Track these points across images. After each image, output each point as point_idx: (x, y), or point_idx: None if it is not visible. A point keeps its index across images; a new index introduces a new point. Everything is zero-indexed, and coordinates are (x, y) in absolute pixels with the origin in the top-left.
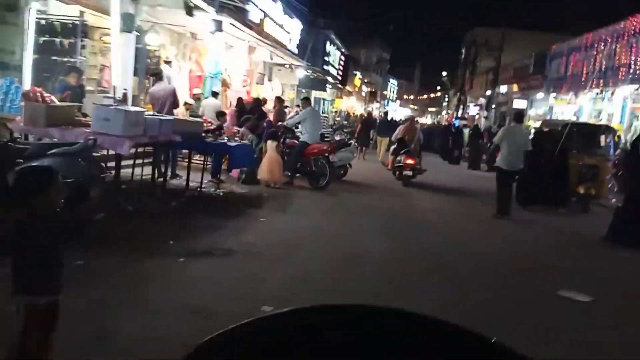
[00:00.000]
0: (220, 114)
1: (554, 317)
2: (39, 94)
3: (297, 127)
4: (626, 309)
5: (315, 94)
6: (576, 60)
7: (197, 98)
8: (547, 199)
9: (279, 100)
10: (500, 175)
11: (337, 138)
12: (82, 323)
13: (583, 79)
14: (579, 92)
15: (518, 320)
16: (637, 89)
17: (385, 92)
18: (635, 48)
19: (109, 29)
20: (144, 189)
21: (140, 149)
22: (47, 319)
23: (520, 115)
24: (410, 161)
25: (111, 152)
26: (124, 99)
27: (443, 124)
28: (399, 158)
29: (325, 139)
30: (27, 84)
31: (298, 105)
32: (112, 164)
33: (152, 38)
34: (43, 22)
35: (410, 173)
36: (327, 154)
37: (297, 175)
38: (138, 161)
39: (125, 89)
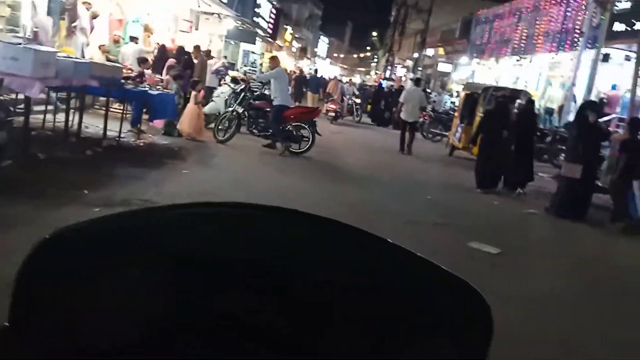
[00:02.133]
0: (143, 60)
1: (461, 266)
2: None
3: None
4: (530, 262)
5: (243, 46)
6: (499, 27)
7: (116, 40)
8: (508, 179)
9: (197, 49)
10: (401, 123)
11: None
12: None
13: (504, 46)
14: (499, 58)
15: None
16: (553, 58)
17: (315, 49)
18: (554, 18)
19: None
20: (56, 136)
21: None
22: None
23: (418, 80)
24: (332, 106)
25: (20, 95)
26: (34, 38)
27: (370, 84)
28: (326, 104)
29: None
30: None
31: (225, 57)
32: (21, 108)
33: None
34: None
35: (333, 114)
36: (313, 118)
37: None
38: (50, 107)
39: (36, 28)
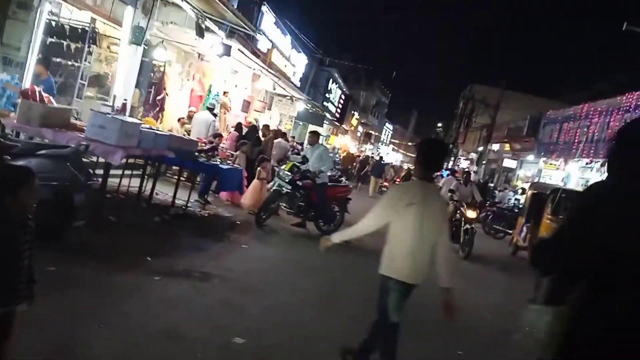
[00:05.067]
0: (216, 135)
1: None
2: (37, 93)
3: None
4: None
5: (311, 127)
6: (569, 128)
7: (190, 117)
8: None
9: (267, 128)
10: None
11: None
12: (45, 333)
13: (574, 147)
14: (568, 159)
15: None
16: None
17: (379, 135)
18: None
19: (118, 39)
20: (129, 201)
21: (131, 160)
22: (2, 329)
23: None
24: (385, 183)
25: (101, 159)
26: (122, 109)
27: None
28: (380, 183)
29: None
30: (28, 82)
31: (293, 137)
32: (100, 171)
33: (159, 53)
34: (53, 23)
35: (385, 189)
36: (348, 196)
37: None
38: (127, 172)
39: (125, 100)
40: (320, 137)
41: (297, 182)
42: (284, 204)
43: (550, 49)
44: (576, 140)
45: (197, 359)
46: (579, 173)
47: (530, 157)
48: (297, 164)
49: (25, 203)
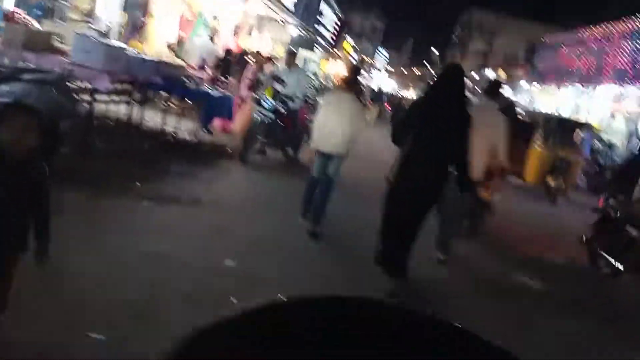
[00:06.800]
0: (217, 66)
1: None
2: (20, 16)
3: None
4: None
5: (303, 53)
6: (565, 54)
7: (180, 41)
8: None
9: (259, 54)
10: None
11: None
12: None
13: (569, 74)
14: (562, 86)
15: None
16: (620, 90)
17: (373, 62)
18: (623, 50)
19: None
20: (118, 128)
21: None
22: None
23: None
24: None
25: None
26: (107, 33)
27: None
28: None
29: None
30: (10, 4)
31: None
32: (87, 97)
33: None
34: None
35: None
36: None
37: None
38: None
39: (109, 22)
40: (311, 63)
41: (281, 111)
42: (260, 135)
43: None
44: (572, 67)
45: (188, 281)
46: (572, 99)
47: (525, 84)
48: (276, 88)
49: (16, 138)
